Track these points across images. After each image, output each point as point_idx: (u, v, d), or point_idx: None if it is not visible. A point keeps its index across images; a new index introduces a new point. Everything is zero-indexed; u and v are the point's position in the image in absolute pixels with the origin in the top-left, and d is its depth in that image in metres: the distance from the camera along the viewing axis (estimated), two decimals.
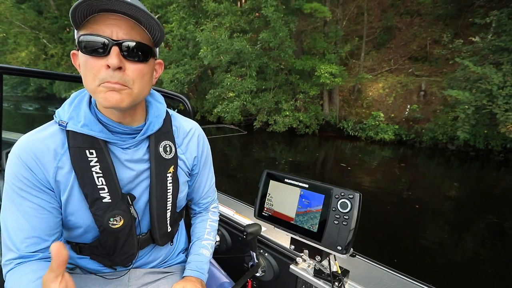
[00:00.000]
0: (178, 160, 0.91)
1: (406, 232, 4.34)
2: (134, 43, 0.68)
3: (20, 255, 0.71)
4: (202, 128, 1.02)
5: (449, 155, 9.60)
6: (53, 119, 0.77)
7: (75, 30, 0.69)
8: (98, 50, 0.65)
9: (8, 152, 1.09)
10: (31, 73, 1.26)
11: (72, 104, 0.76)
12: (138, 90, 0.72)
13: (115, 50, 0.65)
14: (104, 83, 0.67)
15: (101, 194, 0.75)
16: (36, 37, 22.65)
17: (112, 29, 0.66)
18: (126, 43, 0.67)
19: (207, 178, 1.06)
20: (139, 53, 0.69)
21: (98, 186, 0.74)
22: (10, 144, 1.13)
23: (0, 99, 1.11)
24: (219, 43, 11.15)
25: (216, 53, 11.38)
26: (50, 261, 0.76)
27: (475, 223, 4.79)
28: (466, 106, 8.16)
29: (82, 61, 0.68)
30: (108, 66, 0.66)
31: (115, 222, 0.77)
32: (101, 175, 0.75)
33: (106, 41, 0.65)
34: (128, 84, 0.69)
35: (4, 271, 0.72)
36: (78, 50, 0.69)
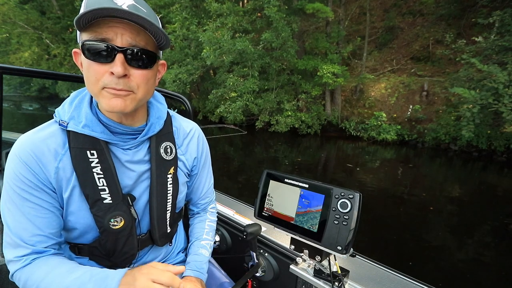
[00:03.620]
0: (178, 161, 0.91)
1: (412, 233, 4.31)
2: (139, 49, 0.66)
3: (33, 250, 0.70)
4: (203, 128, 1.02)
5: (451, 156, 9.55)
6: (53, 118, 0.77)
7: (77, 31, 0.67)
8: (103, 57, 0.64)
9: (8, 152, 1.09)
10: (32, 73, 1.25)
11: (72, 103, 0.76)
12: (143, 94, 0.71)
13: (120, 57, 0.64)
14: (108, 88, 0.66)
15: (102, 195, 0.74)
16: (39, 37, 22.79)
17: (117, 33, 0.64)
18: (130, 50, 0.66)
19: (206, 179, 1.06)
20: (144, 60, 0.68)
21: (99, 187, 0.74)
22: (10, 144, 1.13)
23: (0, 99, 1.11)
24: (222, 43, 11.14)
25: (219, 53, 11.38)
26: (64, 256, 0.75)
27: (480, 224, 4.75)
28: (471, 105, 8.10)
29: (85, 64, 0.67)
30: (112, 73, 0.65)
31: (115, 223, 0.77)
32: (102, 176, 0.74)
33: (111, 48, 0.64)
34: (133, 90, 0.68)
35: (13, 268, 0.70)
36: (80, 50, 0.68)
